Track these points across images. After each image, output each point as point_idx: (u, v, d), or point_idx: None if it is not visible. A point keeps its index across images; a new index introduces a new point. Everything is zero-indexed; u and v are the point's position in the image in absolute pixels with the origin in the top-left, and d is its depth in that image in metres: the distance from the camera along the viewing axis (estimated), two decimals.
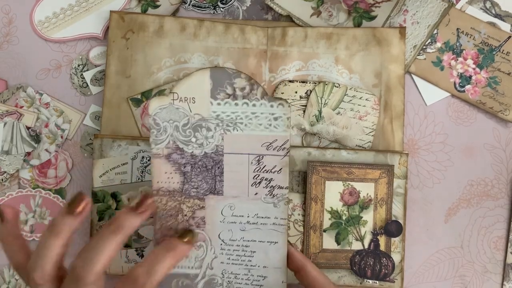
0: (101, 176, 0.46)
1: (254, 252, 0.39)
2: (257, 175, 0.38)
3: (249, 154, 0.38)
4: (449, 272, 0.49)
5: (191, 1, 0.51)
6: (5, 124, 0.49)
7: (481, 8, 0.50)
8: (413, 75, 0.50)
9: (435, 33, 0.50)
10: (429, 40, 0.50)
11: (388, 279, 0.46)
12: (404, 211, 0.46)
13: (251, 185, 0.38)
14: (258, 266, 0.39)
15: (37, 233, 0.48)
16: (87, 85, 0.50)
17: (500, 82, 0.49)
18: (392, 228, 0.46)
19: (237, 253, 0.39)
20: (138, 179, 0.47)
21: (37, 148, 0.49)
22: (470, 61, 0.49)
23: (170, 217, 0.38)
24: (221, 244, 0.39)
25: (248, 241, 0.39)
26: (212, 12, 0.51)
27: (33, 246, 0.50)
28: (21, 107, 0.49)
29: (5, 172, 0.48)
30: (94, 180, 0.46)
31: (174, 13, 0.50)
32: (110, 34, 0.49)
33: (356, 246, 0.46)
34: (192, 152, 0.38)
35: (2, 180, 0.49)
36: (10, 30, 0.51)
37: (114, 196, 0.46)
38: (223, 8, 0.51)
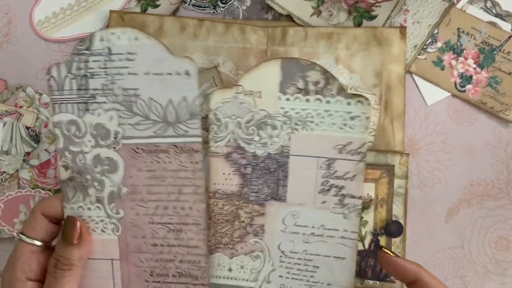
0: None
1: (317, 267, 0.35)
2: (326, 181, 0.34)
3: (318, 157, 0.34)
4: (449, 272, 0.49)
5: (191, 1, 0.50)
6: (4, 124, 0.49)
7: (481, 8, 0.50)
8: (413, 75, 0.50)
9: (436, 33, 0.50)
10: (429, 40, 0.49)
11: (388, 279, 0.46)
12: (404, 211, 0.46)
13: (319, 192, 0.34)
14: (321, 284, 0.35)
15: None
16: None
17: (500, 82, 0.49)
18: (392, 228, 0.46)
19: (298, 267, 0.35)
20: None
21: (36, 148, 0.49)
22: (470, 61, 0.49)
23: (226, 223, 0.35)
24: (281, 256, 0.35)
25: (312, 254, 0.35)
26: (212, 11, 0.51)
27: None
28: (21, 107, 0.49)
29: (4, 172, 0.48)
30: None
31: (174, 13, 0.50)
32: None
33: None
34: (254, 152, 0.34)
35: (1, 180, 0.49)
36: (9, 30, 0.51)
37: None
38: (223, 7, 0.50)
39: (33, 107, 0.49)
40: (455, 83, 0.49)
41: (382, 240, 0.46)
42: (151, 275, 0.36)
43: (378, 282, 0.46)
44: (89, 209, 0.36)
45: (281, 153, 0.34)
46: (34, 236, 0.36)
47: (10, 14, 0.51)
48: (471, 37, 0.49)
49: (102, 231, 0.36)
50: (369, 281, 0.46)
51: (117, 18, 0.49)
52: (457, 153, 0.49)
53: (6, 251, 0.48)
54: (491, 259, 0.49)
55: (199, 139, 0.34)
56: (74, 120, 0.35)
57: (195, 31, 0.48)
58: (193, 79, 0.34)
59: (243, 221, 0.35)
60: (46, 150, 0.49)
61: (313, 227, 0.35)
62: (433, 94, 0.50)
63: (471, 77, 0.49)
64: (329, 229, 0.35)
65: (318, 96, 0.33)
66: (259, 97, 0.34)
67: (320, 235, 0.35)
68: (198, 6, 0.51)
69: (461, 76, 0.49)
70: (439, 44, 0.50)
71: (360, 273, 0.46)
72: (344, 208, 0.34)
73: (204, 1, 0.51)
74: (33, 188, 0.49)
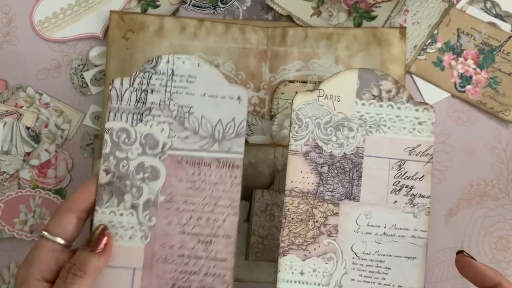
0: None
1: (389, 268, 0.35)
2: (397, 182, 0.36)
3: (390, 158, 0.36)
4: (449, 272, 0.49)
5: (191, 1, 0.51)
6: (4, 124, 0.49)
7: (481, 8, 0.50)
8: (413, 75, 0.50)
9: (436, 33, 0.50)
10: (429, 40, 0.49)
11: None
12: None
13: (390, 192, 0.36)
14: (393, 286, 0.35)
15: (37, 234, 0.48)
16: (87, 85, 0.50)
17: (500, 82, 0.49)
18: None
19: (370, 269, 0.35)
20: None
21: (37, 148, 0.49)
22: (470, 61, 0.49)
23: (300, 222, 0.35)
24: (353, 258, 0.35)
25: (384, 255, 0.35)
26: (212, 12, 0.51)
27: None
28: (21, 107, 0.49)
29: (4, 172, 0.48)
30: None
31: (174, 13, 0.50)
32: (110, 34, 0.49)
33: None
34: (331, 151, 0.36)
35: (1, 180, 0.49)
36: (10, 30, 0.51)
37: None
38: (223, 8, 0.50)
39: (33, 107, 0.49)
40: (455, 84, 0.49)
41: None
42: None
43: None
44: (121, 214, 0.36)
45: (356, 153, 0.36)
46: (57, 233, 0.35)
47: (10, 14, 0.51)
48: (471, 37, 0.50)
49: (130, 238, 0.36)
50: None
51: (117, 18, 0.49)
52: (457, 153, 0.49)
53: (6, 251, 0.48)
54: (491, 259, 0.49)
55: (241, 156, 0.37)
56: (126, 129, 0.37)
57: (195, 31, 0.48)
58: (243, 103, 0.37)
59: (317, 221, 0.35)
60: (46, 150, 0.49)
61: (385, 227, 0.36)
62: (433, 95, 0.50)
63: (471, 77, 0.49)
64: (400, 229, 0.35)
65: (390, 102, 0.36)
66: (338, 101, 0.36)
67: (391, 235, 0.35)
68: (198, 6, 0.51)
69: (461, 76, 0.49)
70: (439, 45, 0.50)
71: None
72: (414, 207, 0.36)
73: (204, 2, 0.51)
74: (33, 188, 0.49)
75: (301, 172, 0.36)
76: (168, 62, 0.37)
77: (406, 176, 0.36)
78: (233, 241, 0.36)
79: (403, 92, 0.36)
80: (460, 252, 0.35)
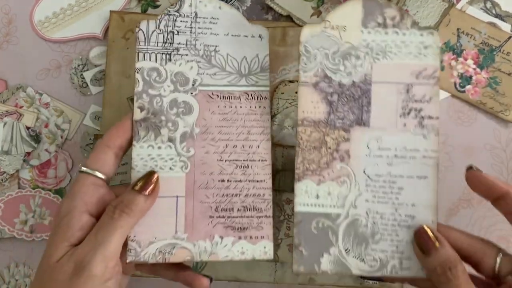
0: None
1: (401, 188, 0.36)
2: (405, 105, 0.37)
3: (398, 83, 0.37)
4: None
5: None
6: (5, 124, 0.49)
7: (481, 8, 0.50)
8: None
9: None
10: None
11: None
12: None
13: (399, 116, 0.37)
14: (406, 205, 0.36)
15: (37, 233, 0.48)
16: (87, 85, 0.50)
17: (500, 82, 0.49)
18: None
19: (383, 190, 0.37)
20: None
21: (37, 148, 0.49)
22: (470, 61, 0.49)
23: (313, 149, 0.37)
24: (366, 180, 0.37)
25: (396, 176, 0.37)
26: None
27: (33, 246, 0.49)
28: (21, 107, 0.49)
29: (4, 172, 0.48)
30: None
31: None
32: (110, 34, 0.49)
33: None
34: (340, 81, 0.37)
35: (1, 180, 0.49)
36: (10, 30, 0.51)
37: None
38: None
39: (33, 107, 0.49)
40: (455, 84, 0.49)
41: None
42: (216, 211, 0.38)
43: (377, 282, 0.46)
44: (159, 148, 0.38)
45: (364, 81, 0.37)
46: (96, 167, 0.36)
47: (10, 14, 0.51)
48: (470, 37, 0.50)
49: (170, 168, 0.38)
50: (369, 281, 0.46)
51: (118, 18, 0.49)
52: (456, 153, 0.49)
53: (6, 251, 0.48)
54: None
55: (267, 88, 0.40)
56: (156, 68, 0.39)
57: None
58: (265, 41, 0.41)
59: (329, 147, 0.37)
60: (46, 150, 0.49)
61: (395, 150, 0.37)
62: None
63: (470, 77, 0.49)
64: (411, 150, 0.37)
65: (395, 29, 0.37)
66: (344, 31, 0.37)
67: (403, 156, 0.37)
68: None
69: (461, 76, 0.49)
70: None
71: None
72: (423, 129, 0.37)
73: None
74: (33, 188, 0.49)
75: (312, 102, 0.37)
76: (191, 5, 0.40)
77: (414, 100, 0.37)
78: (268, 164, 0.39)
79: (407, 18, 0.37)
80: (470, 168, 0.36)
